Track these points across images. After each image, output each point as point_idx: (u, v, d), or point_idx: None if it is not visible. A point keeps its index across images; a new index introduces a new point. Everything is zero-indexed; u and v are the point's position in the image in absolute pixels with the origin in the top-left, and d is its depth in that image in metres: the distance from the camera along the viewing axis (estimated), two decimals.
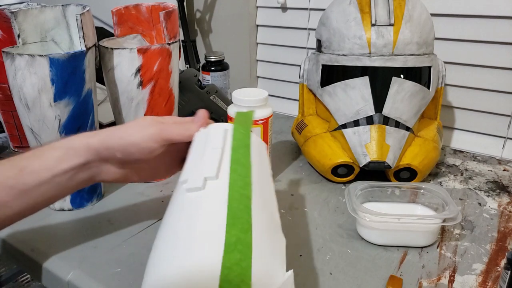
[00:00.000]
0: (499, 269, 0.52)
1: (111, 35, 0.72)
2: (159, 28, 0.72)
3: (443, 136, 0.83)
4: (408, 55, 0.68)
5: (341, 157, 0.69)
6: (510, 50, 0.77)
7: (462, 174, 0.74)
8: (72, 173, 0.47)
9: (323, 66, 0.73)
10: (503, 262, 0.52)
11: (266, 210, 0.39)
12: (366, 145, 0.66)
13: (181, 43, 1.04)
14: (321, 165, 0.70)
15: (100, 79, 0.69)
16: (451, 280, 0.50)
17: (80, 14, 0.56)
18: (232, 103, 0.67)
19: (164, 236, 0.38)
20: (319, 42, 0.75)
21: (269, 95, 0.78)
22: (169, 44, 0.65)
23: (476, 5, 0.78)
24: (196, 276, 0.32)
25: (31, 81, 0.55)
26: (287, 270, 0.35)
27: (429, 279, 0.50)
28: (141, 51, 0.62)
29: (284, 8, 1.00)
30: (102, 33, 0.96)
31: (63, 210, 0.64)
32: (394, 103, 0.67)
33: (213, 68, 0.96)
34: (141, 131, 0.48)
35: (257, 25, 1.06)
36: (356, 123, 0.68)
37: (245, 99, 0.65)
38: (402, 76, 0.68)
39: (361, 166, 0.67)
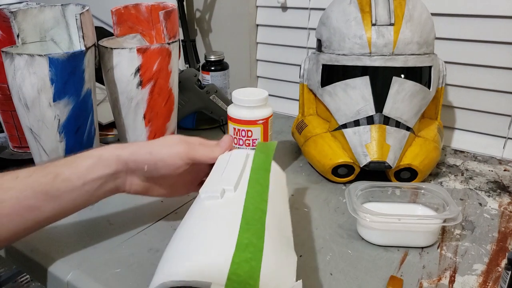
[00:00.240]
0: (500, 269, 0.51)
1: (111, 34, 0.72)
2: (159, 28, 0.72)
3: (444, 136, 0.83)
4: (409, 54, 0.68)
5: (342, 157, 0.68)
6: (510, 50, 0.77)
7: (462, 174, 0.74)
8: (101, 182, 0.49)
9: (324, 66, 0.72)
10: (504, 262, 0.52)
11: (279, 227, 0.42)
12: (366, 145, 0.66)
13: (180, 43, 1.04)
14: (321, 165, 0.70)
15: (99, 79, 0.69)
16: (452, 281, 0.50)
17: (80, 14, 0.56)
18: (232, 103, 0.67)
19: (180, 237, 0.40)
20: (319, 41, 0.75)
21: (269, 95, 0.77)
22: (168, 43, 0.65)
23: (476, 5, 0.78)
24: (207, 270, 0.34)
25: (30, 81, 0.54)
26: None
27: (430, 280, 0.50)
28: (141, 50, 0.62)
29: (284, 8, 1.00)
30: (101, 32, 0.96)
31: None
32: (395, 103, 0.67)
33: (213, 68, 0.96)
34: (169, 148, 0.50)
35: (257, 25, 1.06)
36: (356, 123, 0.68)
37: (245, 99, 0.64)
38: (402, 76, 0.68)
39: (361, 166, 0.67)
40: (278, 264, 0.36)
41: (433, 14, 0.82)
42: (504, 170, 0.75)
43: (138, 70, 0.63)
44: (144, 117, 0.66)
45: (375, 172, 0.71)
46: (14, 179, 0.45)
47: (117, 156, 0.49)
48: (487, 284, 0.49)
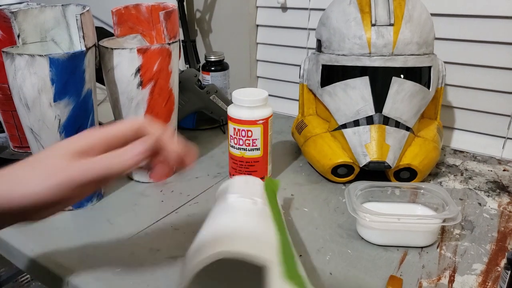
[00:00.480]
0: (499, 269, 0.52)
1: (111, 35, 0.72)
2: (159, 28, 0.72)
3: (443, 136, 0.83)
4: (408, 55, 0.68)
5: (341, 157, 0.69)
6: (510, 50, 0.77)
7: (462, 174, 0.74)
8: None
9: (323, 66, 0.73)
10: (503, 262, 0.52)
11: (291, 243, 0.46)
12: (366, 145, 0.66)
13: (181, 43, 1.04)
14: (321, 165, 0.70)
15: (100, 79, 0.69)
16: (451, 280, 0.50)
17: (80, 14, 0.56)
18: (232, 103, 0.67)
19: (218, 224, 0.42)
20: (319, 42, 0.75)
21: (269, 95, 0.78)
22: (169, 44, 0.65)
23: (476, 5, 0.78)
24: (260, 251, 0.37)
25: (31, 81, 0.54)
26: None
27: (429, 279, 0.50)
28: (141, 51, 0.62)
29: (284, 8, 1.00)
30: (102, 33, 0.96)
31: (63, 210, 0.64)
32: (394, 103, 0.67)
33: (213, 68, 0.96)
34: (44, 178, 0.36)
35: (257, 25, 1.06)
36: (356, 123, 0.68)
37: (245, 99, 0.64)
38: (402, 76, 0.68)
39: (361, 166, 0.67)
40: (301, 269, 0.40)
41: (432, 14, 0.82)
42: (504, 170, 0.76)
43: (138, 70, 0.63)
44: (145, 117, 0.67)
45: (375, 172, 0.71)
46: None
47: None
48: (487, 283, 0.49)
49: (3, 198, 0.35)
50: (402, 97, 0.68)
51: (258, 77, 1.11)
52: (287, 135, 0.91)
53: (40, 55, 0.53)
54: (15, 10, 0.58)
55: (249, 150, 0.67)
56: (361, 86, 0.68)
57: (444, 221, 0.54)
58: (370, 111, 0.67)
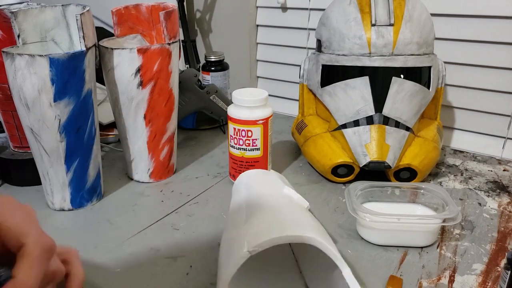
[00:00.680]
0: (499, 269, 0.52)
1: (111, 35, 0.72)
2: (159, 28, 0.72)
3: (443, 136, 0.83)
4: (408, 55, 0.68)
5: (341, 157, 0.69)
6: (510, 50, 0.77)
7: (462, 174, 0.74)
8: None
9: (323, 66, 0.73)
10: (503, 262, 0.52)
11: None
12: (366, 145, 0.66)
13: (181, 43, 1.04)
14: (321, 165, 0.70)
15: (100, 79, 0.69)
16: (451, 280, 0.50)
17: (80, 14, 0.56)
18: (232, 103, 0.67)
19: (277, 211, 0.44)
20: (319, 42, 0.75)
21: (269, 95, 0.78)
22: (169, 44, 0.65)
23: (476, 5, 0.78)
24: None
25: (31, 81, 0.54)
26: None
27: (429, 279, 0.50)
28: (141, 51, 0.62)
29: (284, 8, 1.00)
30: (102, 33, 0.96)
31: (63, 210, 0.64)
32: (394, 103, 0.67)
33: (213, 68, 0.96)
34: None
35: (257, 25, 1.06)
36: (356, 123, 0.68)
37: (245, 99, 0.65)
38: (402, 76, 0.68)
39: (361, 166, 0.67)
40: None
41: (432, 14, 0.82)
42: (504, 170, 0.76)
43: (138, 70, 0.63)
44: (145, 117, 0.67)
45: (375, 172, 0.71)
46: None
47: None
48: (487, 283, 0.49)
49: None
50: (402, 97, 0.68)
51: (258, 77, 1.11)
52: (287, 135, 0.91)
53: (40, 55, 0.53)
54: (15, 10, 0.58)
55: (249, 150, 0.67)
56: (361, 86, 0.68)
57: (444, 221, 0.54)
58: (370, 111, 0.67)
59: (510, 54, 0.78)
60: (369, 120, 0.67)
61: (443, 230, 0.59)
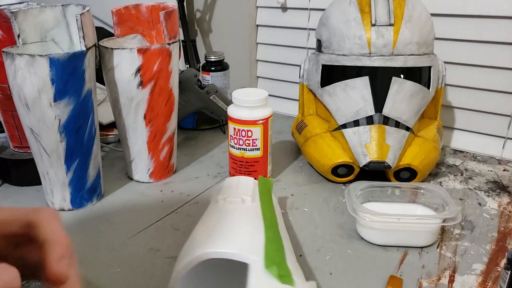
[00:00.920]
0: (499, 269, 0.52)
1: (111, 35, 0.72)
2: (159, 28, 0.72)
3: (443, 136, 0.83)
4: (408, 55, 0.68)
5: (341, 157, 0.69)
6: (510, 50, 0.77)
7: (462, 174, 0.74)
8: None
9: (323, 66, 0.73)
10: (503, 262, 0.52)
11: (286, 239, 0.47)
12: (366, 145, 0.66)
13: (181, 43, 1.04)
14: (321, 165, 0.70)
15: (100, 79, 0.69)
16: (451, 280, 0.50)
17: (80, 14, 0.56)
18: (232, 103, 0.67)
19: (208, 227, 0.44)
20: (319, 42, 0.75)
21: (269, 95, 0.78)
22: (169, 44, 0.65)
23: (476, 5, 0.78)
24: (245, 249, 0.39)
25: (31, 81, 0.55)
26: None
27: (429, 279, 0.50)
28: (141, 51, 0.62)
29: (284, 8, 1.00)
30: (102, 33, 0.96)
31: (63, 210, 0.64)
32: (394, 103, 0.67)
33: (213, 68, 0.97)
34: None
35: (257, 25, 1.06)
36: (356, 123, 0.68)
37: (245, 99, 0.65)
38: (402, 76, 0.68)
39: (361, 166, 0.67)
40: (293, 264, 0.41)
41: (433, 14, 0.82)
42: (504, 170, 0.76)
43: (138, 70, 0.63)
44: (145, 117, 0.67)
45: (375, 172, 0.71)
46: None
47: None
48: (487, 283, 0.49)
49: None
50: (402, 97, 0.68)
51: (258, 77, 1.11)
52: (287, 135, 0.91)
53: (40, 55, 0.53)
54: (15, 10, 0.58)
55: (249, 150, 0.67)
56: (361, 86, 0.68)
57: (444, 221, 0.54)
58: (370, 111, 0.67)
59: (510, 54, 0.78)
60: (369, 120, 0.67)
61: (443, 230, 0.59)
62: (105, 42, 0.67)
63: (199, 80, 0.90)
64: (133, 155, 0.70)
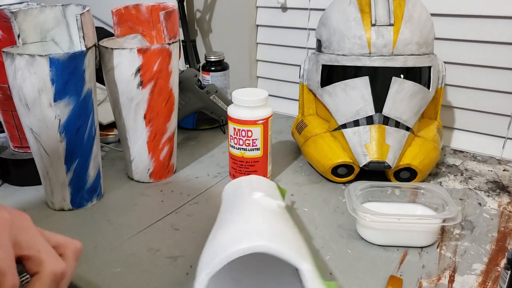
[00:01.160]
0: (499, 269, 0.52)
1: (111, 35, 0.72)
2: (159, 28, 0.72)
3: (443, 136, 0.83)
4: (408, 55, 0.68)
5: (341, 157, 0.69)
6: (510, 50, 0.77)
7: (462, 174, 0.74)
8: None
9: (323, 66, 0.73)
10: (503, 262, 0.52)
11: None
12: (366, 145, 0.66)
13: (181, 43, 1.04)
14: (321, 165, 0.70)
15: (100, 79, 0.69)
16: (451, 280, 0.50)
17: (80, 14, 0.56)
18: (232, 103, 0.67)
19: (243, 219, 0.43)
20: (319, 42, 0.75)
21: (269, 95, 0.78)
22: (169, 44, 0.65)
23: (476, 5, 0.78)
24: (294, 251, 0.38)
25: (31, 81, 0.55)
26: None
27: (429, 279, 0.50)
28: (141, 51, 0.62)
29: (284, 8, 1.00)
30: (102, 33, 0.96)
31: (63, 210, 0.64)
32: (394, 103, 0.67)
33: (213, 68, 0.97)
34: None
35: (257, 25, 1.06)
36: (356, 123, 0.68)
37: (245, 99, 0.65)
38: (402, 76, 0.68)
39: (361, 166, 0.67)
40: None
41: (432, 15, 0.82)
42: (504, 170, 0.76)
43: (138, 70, 0.63)
44: (145, 117, 0.67)
45: (375, 172, 0.71)
46: None
47: None
48: (487, 283, 0.49)
49: None
50: (402, 97, 0.68)
51: (258, 77, 1.11)
52: (287, 135, 0.91)
53: (40, 55, 0.53)
54: (15, 10, 0.58)
55: (249, 150, 0.67)
56: (361, 86, 0.68)
57: (444, 221, 0.54)
58: (370, 111, 0.67)
59: (510, 54, 0.78)
60: (369, 120, 0.67)
61: (443, 230, 0.59)
62: (105, 42, 0.67)
63: (199, 80, 0.90)
64: (133, 155, 0.70)
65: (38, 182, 0.67)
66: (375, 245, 0.56)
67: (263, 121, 0.65)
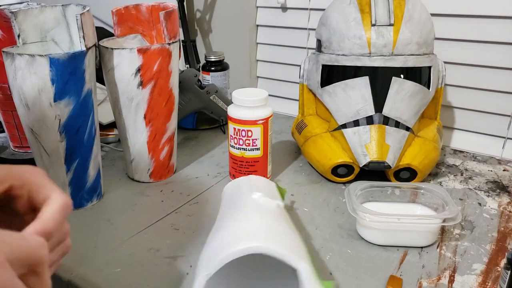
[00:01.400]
0: (499, 269, 0.52)
1: (111, 35, 0.72)
2: (159, 28, 0.72)
3: (443, 136, 0.83)
4: (408, 55, 0.68)
5: (341, 157, 0.69)
6: (510, 50, 0.77)
7: (462, 174, 0.74)
8: None
9: (323, 66, 0.73)
10: (503, 262, 0.52)
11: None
12: (366, 145, 0.66)
13: (181, 43, 1.04)
14: (321, 165, 0.70)
15: (100, 79, 0.69)
16: (451, 280, 0.50)
17: (80, 14, 0.56)
18: (232, 103, 0.67)
19: (240, 218, 0.43)
20: (319, 42, 0.75)
21: (269, 95, 0.78)
22: (169, 44, 0.65)
23: (476, 5, 0.78)
24: (290, 249, 0.39)
25: (31, 81, 0.55)
26: None
27: (429, 279, 0.50)
28: (141, 51, 0.62)
29: (284, 8, 1.00)
30: (102, 33, 0.96)
31: None
32: (394, 103, 0.67)
33: (213, 68, 0.96)
34: None
35: (257, 25, 1.06)
36: (356, 123, 0.68)
37: (245, 99, 0.65)
38: (402, 76, 0.68)
39: (361, 166, 0.67)
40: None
41: (433, 14, 0.82)
42: (504, 170, 0.76)
43: (138, 70, 0.63)
44: (145, 117, 0.67)
45: (375, 172, 0.71)
46: None
47: None
48: (487, 283, 0.49)
49: None
50: (402, 97, 0.68)
51: (258, 77, 1.11)
52: (287, 135, 0.91)
53: (40, 55, 0.53)
54: (15, 10, 0.58)
55: (249, 150, 0.67)
56: (361, 86, 0.68)
57: (444, 221, 0.54)
58: (370, 111, 0.67)
59: (510, 54, 0.77)
60: (369, 120, 0.67)
61: (443, 230, 0.59)
62: (105, 42, 0.67)
63: (199, 80, 0.90)
64: (133, 155, 0.70)
65: None
66: (375, 245, 0.56)
67: (263, 121, 0.65)
